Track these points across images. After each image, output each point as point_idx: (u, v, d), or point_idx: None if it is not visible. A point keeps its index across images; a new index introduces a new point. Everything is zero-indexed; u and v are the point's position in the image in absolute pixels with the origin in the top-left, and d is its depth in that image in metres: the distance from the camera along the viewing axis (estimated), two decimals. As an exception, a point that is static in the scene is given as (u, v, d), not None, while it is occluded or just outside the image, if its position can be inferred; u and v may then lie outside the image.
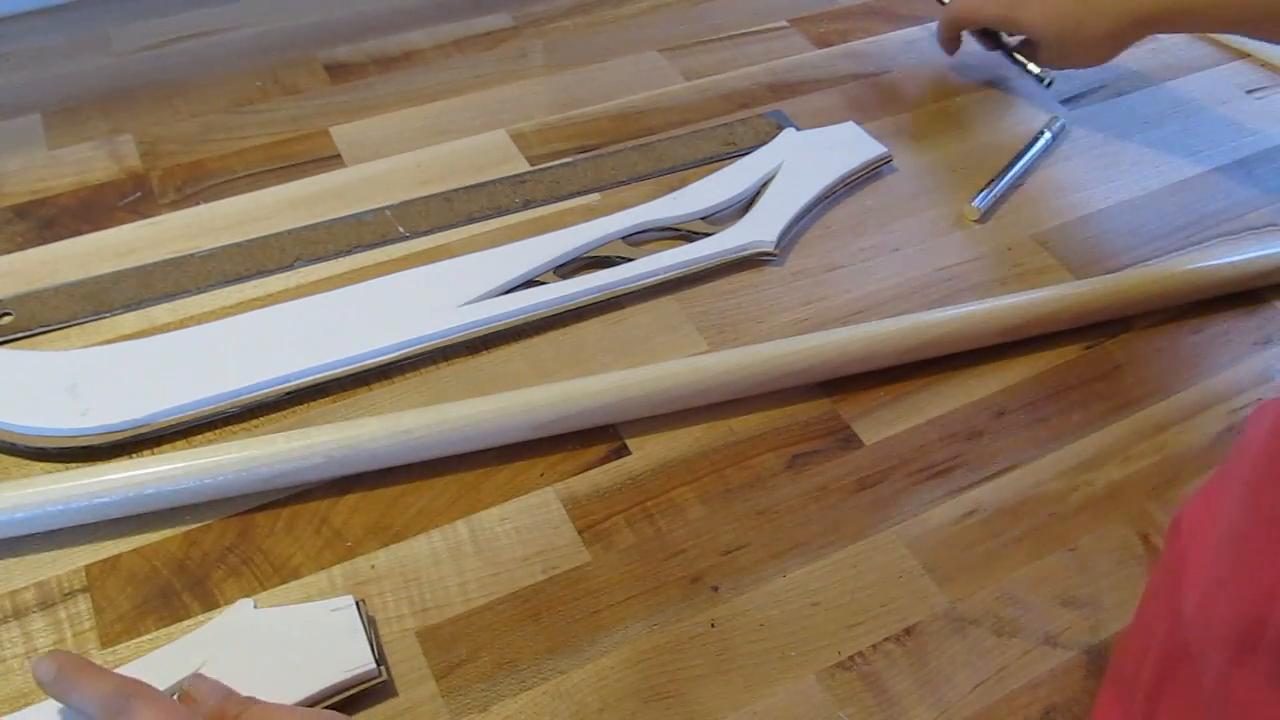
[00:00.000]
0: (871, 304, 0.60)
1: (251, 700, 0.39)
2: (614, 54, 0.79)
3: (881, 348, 0.54)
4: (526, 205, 0.65)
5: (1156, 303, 0.59)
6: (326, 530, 0.48)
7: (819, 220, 0.65)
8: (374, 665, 0.42)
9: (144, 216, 0.63)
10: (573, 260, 0.60)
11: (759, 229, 0.62)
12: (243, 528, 0.48)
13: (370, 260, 0.61)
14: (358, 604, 0.44)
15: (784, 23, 0.83)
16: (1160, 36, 0.82)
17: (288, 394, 0.53)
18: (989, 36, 0.76)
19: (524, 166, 0.68)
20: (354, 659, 0.42)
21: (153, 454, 0.50)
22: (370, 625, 0.44)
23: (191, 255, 0.61)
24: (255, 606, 0.44)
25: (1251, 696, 0.26)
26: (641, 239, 0.63)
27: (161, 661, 0.42)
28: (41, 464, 0.50)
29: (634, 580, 0.46)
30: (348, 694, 0.41)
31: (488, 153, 0.69)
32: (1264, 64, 0.79)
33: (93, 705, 0.37)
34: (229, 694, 0.39)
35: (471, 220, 0.64)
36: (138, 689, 0.38)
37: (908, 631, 0.45)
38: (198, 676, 0.40)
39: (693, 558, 0.47)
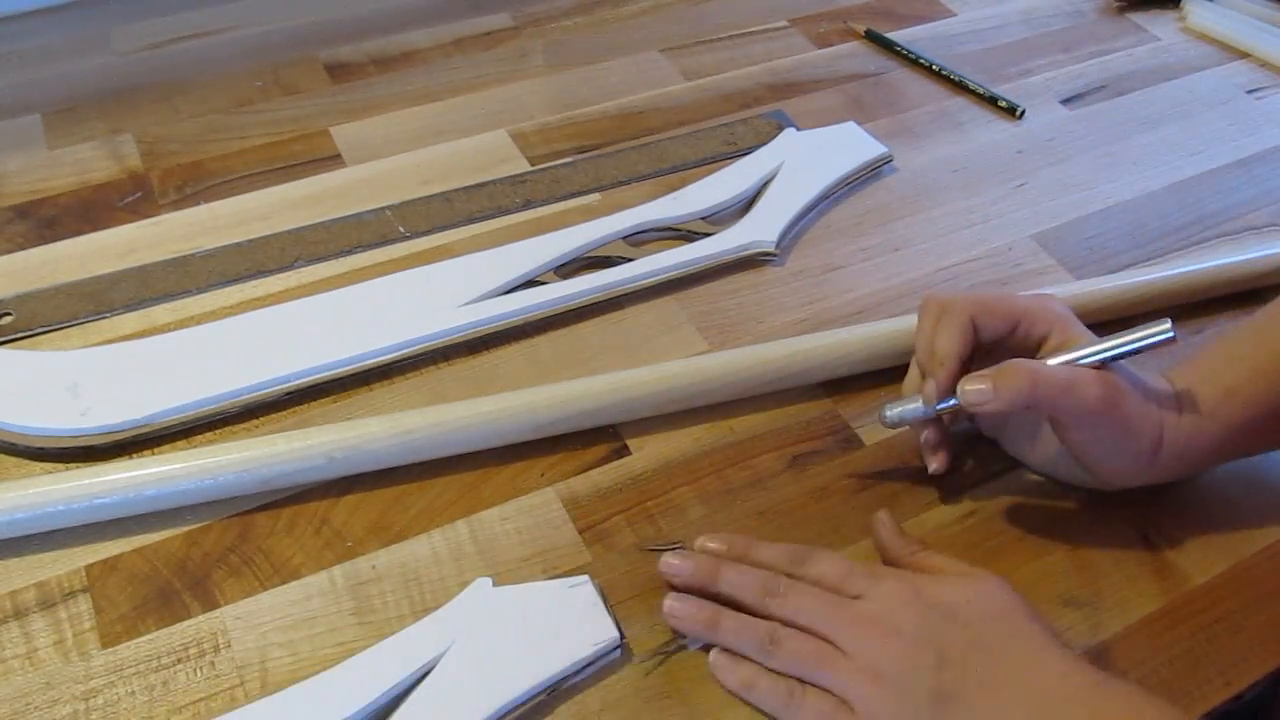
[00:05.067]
0: (871, 304, 0.60)
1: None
2: (614, 54, 0.79)
3: (881, 348, 0.54)
4: (526, 205, 0.65)
5: (1156, 303, 0.58)
6: (327, 530, 0.48)
7: (819, 220, 0.65)
8: (618, 637, 0.43)
9: (144, 216, 0.63)
10: (573, 260, 0.60)
11: (759, 229, 0.62)
12: (243, 528, 0.48)
13: (370, 260, 0.61)
14: (591, 580, 0.45)
15: (784, 23, 0.83)
16: (1161, 36, 0.83)
17: (288, 394, 0.53)
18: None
19: (524, 166, 0.68)
20: (598, 632, 0.43)
21: (153, 454, 0.50)
22: (605, 600, 0.45)
23: (191, 255, 0.61)
24: (494, 584, 0.45)
25: None
26: (642, 239, 0.63)
27: (410, 640, 0.43)
28: (41, 464, 0.50)
29: (634, 580, 0.46)
30: (593, 667, 0.43)
31: (488, 153, 0.69)
32: (1264, 64, 0.79)
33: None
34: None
35: (472, 220, 0.64)
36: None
37: (908, 631, 0.45)
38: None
39: (693, 558, 0.47)
